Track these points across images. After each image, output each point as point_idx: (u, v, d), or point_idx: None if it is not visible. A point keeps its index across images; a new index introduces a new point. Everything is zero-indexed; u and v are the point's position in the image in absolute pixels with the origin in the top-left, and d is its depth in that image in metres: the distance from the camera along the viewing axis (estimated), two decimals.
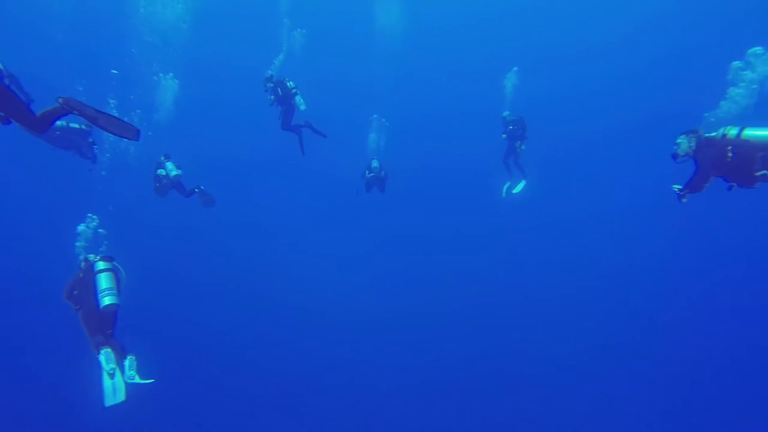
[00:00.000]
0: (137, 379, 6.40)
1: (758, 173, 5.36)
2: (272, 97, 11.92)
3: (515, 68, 24.71)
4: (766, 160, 5.33)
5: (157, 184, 10.22)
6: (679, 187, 6.02)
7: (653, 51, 24.24)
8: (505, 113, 13.85)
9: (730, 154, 5.51)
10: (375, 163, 12.76)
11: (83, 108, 4.65)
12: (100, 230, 8.38)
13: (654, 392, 13.23)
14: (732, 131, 5.63)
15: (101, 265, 6.77)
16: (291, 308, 16.92)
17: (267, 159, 21.13)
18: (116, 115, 4.90)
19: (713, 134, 5.79)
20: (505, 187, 15.06)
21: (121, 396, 6.34)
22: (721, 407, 12.34)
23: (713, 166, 5.67)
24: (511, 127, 13.58)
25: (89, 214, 8.47)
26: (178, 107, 20.67)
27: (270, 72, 12.04)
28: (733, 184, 5.71)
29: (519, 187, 14.70)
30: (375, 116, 22.02)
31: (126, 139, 4.88)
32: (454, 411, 13.07)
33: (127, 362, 6.43)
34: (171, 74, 21.51)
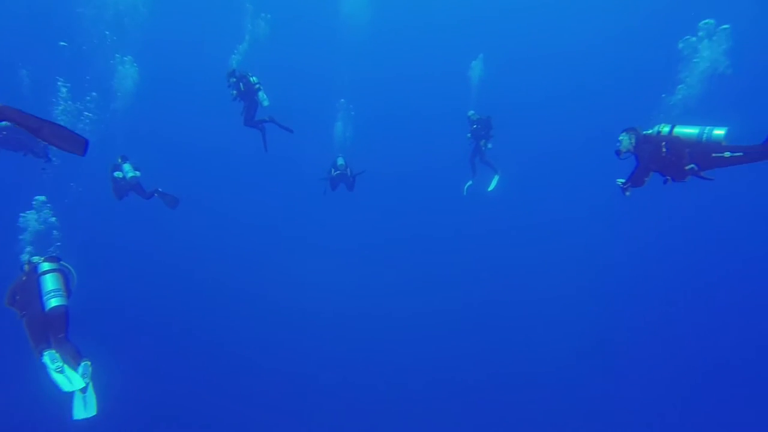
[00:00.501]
0: (90, 391, 6.05)
1: (687, 167, 5.69)
2: (234, 92, 11.50)
3: (481, 55, 24.67)
4: (693, 155, 5.64)
5: (115, 187, 9.78)
6: (623, 180, 6.29)
7: (627, 35, 23.78)
8: (470, 113, 13.78)
9: (664, 150, 5.80)
10: (340, 161, 12.55)
11: (23, 118, 4.18)
12: (53, 222, 7.89)
13: (645, 390, 13.10)
14: (665, 128, 5.92)
15: (46, 266, 6.35)
16: (283, 307, 16.58)
17: (233, 150, 20.48)
18: (63, 124, 4.47)
19: (650, 131, 6.06)
20: (466, 186, 15.11)
21: (92, 410, 6.07)
22: (716, 405, 12.19)
23: (650, 161, 5.95)
24: (474, 126, 13.58)
25: (37, 197, 7.90)
26: (138, 95, 19.83)
27: (232, 66, 11.60)
28: (668, 177, 6.00)
29: (493, 184, 14.75)
30: (342, 101, 21.87)
31: (70, 153, 4.24)
32: (448, 409, 12.80)
33: (80, 368, 6.02)
34: (130, 57, 20.52)
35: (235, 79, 11.42)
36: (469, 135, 13.74)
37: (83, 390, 6.02)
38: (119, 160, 9.92)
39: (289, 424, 12.39)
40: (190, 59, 24.92)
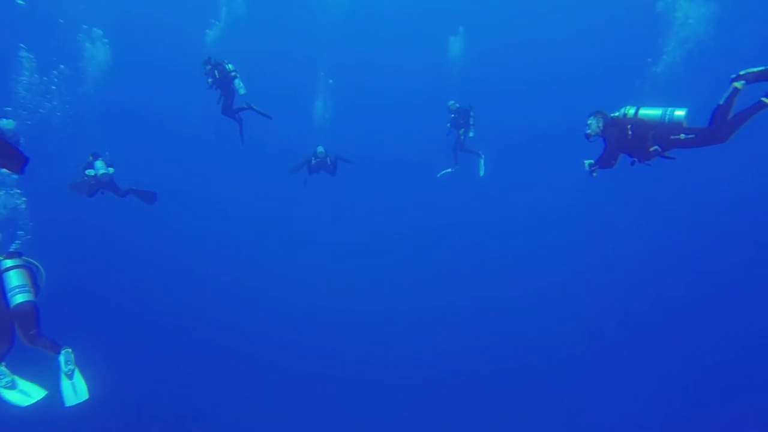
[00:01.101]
0: (77, 376, 5.95)
1: (651, 149, 5.74)
2: (210, 80, 10.98)
3: (460, 28, 23.96)
4: (657, 137, 5.70)
5: (84, 184, 9.30)
6: (591, 162, 6.29)
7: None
8: (450, 102, 13.59)
9: (629, 133, 5.83)
10: (320, 149, 12.35)
11: None
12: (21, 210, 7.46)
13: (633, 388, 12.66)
14: (630, 111, 5.93)
15: (7, 263, 6.01)
16: (264, 299, 16.13)
17: (211, 136, 19.68)
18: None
19: (617, 114, 6.08)
20: (443, 171, 14.97)
21: (83, 394, 5.95)
22: (707, 400, 11.88)
23: (618, 143, 5.97)
24: (453, 116, 13.43)
25: None
26: (110, 75, 18.81)
27: (208, 54, 11.05)
28: (635, 159, 6.05)
29: (482, 168, 14.53)
30: (321, 74, 21.27)
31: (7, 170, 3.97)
32: (440, 402, 12.56)
33: (62, 357, 5.90)
34: (100, 30, 19.37)
35: (210, 67, 10.91)
36: (448, 125, 13.64)
37: (70, 376, 5.91)
38: (90, 158, 9.43)
39: (284, 420, 12.32)
40: (164, 36, 23.73)
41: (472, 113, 13.25)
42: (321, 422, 12.13)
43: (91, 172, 9.25)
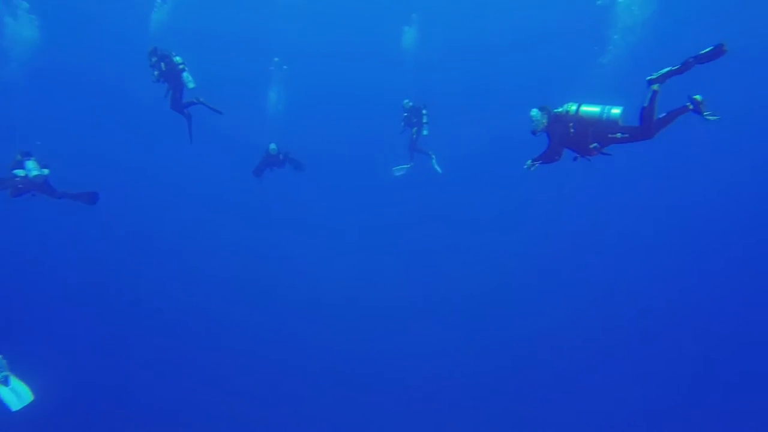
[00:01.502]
0: (14, 381, 5.90)
1: (591, 146, 5.90)
2: (156, 72, 10.11)
3: (414, 15, 23.44)
4: (596, 134, 5.85)
5: (7, 183, 8.28)
6: (530, 162, 6.35)
7: None
8: (405, 101, 13.38)
9: (571, 129, 5.95)
10: (272, 147, 12.16)
11: None
12: None
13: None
14: (572, 107, 6.02)
15: None
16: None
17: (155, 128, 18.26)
18: None
19: (560, 110, 6.17)
20: (398, 170, 14.77)
21: (27, 396, 5.97)
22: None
23: (560, 139, 6.11)
24: (405, 114, 13.28)
25: None
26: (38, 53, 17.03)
27: (153, 45, 10.11)
28: (577, 155, 6.21)
29: (435, 165, 14.38)
30: (276, 59, 20.44)
31: None
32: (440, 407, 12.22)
33: None
34: (26, 4, 17.48)
35: (155, 59, 10.01)
36: (402, 124, 13.47)
37: (5, 382, 5.93)
38: (19, 157, 8.42)
39: (282, 420, 11.96)
40: (103, 18, 21.70)
41: (425, 111, 13.06)
42: (320, 422, 11.73)
43: (20, 172, 8.26)
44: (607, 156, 5.97)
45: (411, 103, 13.28)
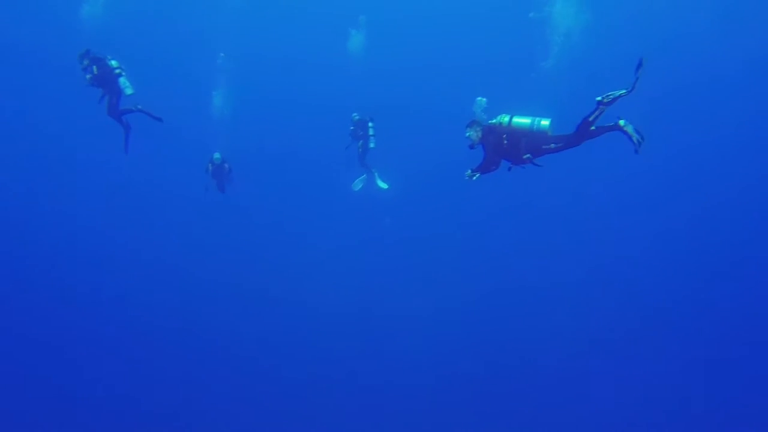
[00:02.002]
0: None
1: (524, 156, 6.07)
2: (89, 76, 9.36)
3: (361, 17, 22.92)
4: (529, 144, 6.03)
5: None
6: (470, 172, 6.46)
7: None
8: (353, 114, 13.17)
9: (505, 141, 6.11)
10: (217, 156, 11.78)
11: None
12: None
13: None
14: (505, 119, 6.19)
15: None
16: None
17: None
18: None
19: (493, 121, 6.31)
20: (354, 182, 14.51)
21: None
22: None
23: (494, 150, 6.24)
24: (351, 128, 13.12)
25: None
26: None
27: (86, 47, 9.34)
28: (511, 165, 6.37)
29: (378, 182, 14.12)
30: (222, 54, 19.57)
31: None
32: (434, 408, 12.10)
33: None
34: None
35: (87, 62, 9.29)
36: (349, 138, 13.27)
37: None
38: None
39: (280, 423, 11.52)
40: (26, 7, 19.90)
41: (371, 124, 12.89)
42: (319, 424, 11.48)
43: None
44: (538, 167, 6.12)
45: (358, 116, 13.10)
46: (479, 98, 6.48)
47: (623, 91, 5.50)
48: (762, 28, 18.38)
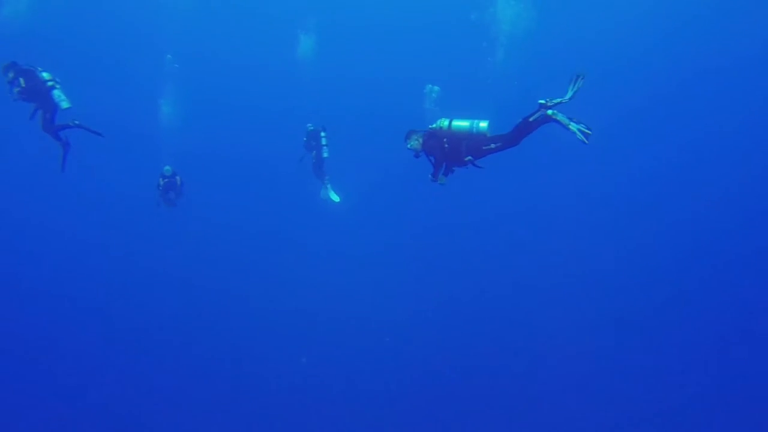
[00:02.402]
0: None
1: (466, 159, 6.08)
2: (17, 89, 8.47)
3: (311, 20, 22.23)
4: (469, 147, 6.04)
5: None
6: (431, 176, 6.42)
7: None
8: (308, 125, 12.77)
9: (446, 144, 6.11)
10: (167, 169, 11.24)
11: None
12: None
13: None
14: (444, 123, 6.17)
15: None
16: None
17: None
18: None
19: (434, 126, 6.28)
20: (321, 192, 14.03)
21: None
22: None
23: (437, 154, 6.19)
24: (305, 139, 12.76)
25: None
26: None
27: (11, 59, 8.45)
28: (454, 168, 6.36)
29: (328, 193, 13.71)
30: (168, 56, 18.47)
31: None
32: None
33: None
34: None
35: (12, 74, 8.42)
36: (303, 149, 12.90)
37: None
38: None
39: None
40: None
41: (323, 134, 12.50)
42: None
43: None
44: (479, 169, 6.12)
45: (312, 127, 12.75)
46: (429, 86, 6.34)
47: (563, 99, 5.55)
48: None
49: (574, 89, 5.49)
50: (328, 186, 13.36)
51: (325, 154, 12.51)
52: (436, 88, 6.38)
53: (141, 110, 17.80)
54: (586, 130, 5.49)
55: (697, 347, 12.25)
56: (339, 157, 12.97)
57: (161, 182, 11.13)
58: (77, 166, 10.19)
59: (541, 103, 5.62)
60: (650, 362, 12.44)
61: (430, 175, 6.36)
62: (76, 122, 9.25)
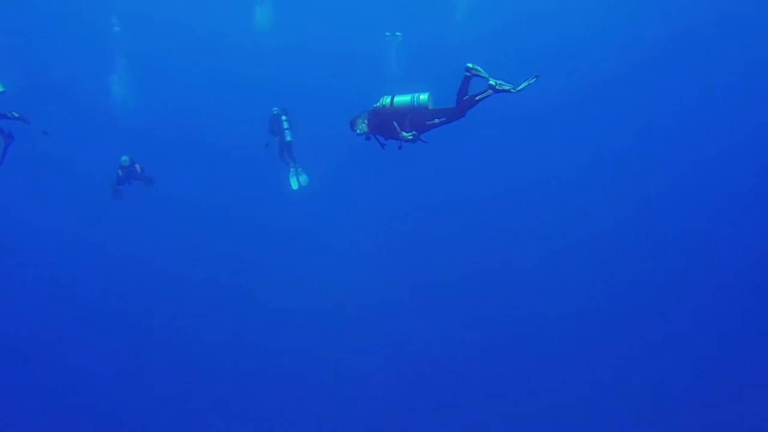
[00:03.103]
0: None
1: (411, 134, 5.87)
2: None
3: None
4: (414, 122, 5.87)
5: None
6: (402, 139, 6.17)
7: None
8: (273, 109, 12.22)
9: (392, 121, 5.92)
10: (124, 159, 10.79)
11: None
12: None
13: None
14: (386, 100, 6.02)
15: None
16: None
17: None
18: None
19: (377, 105, 6.14)
20: (291, 181, 13.49)
21: None
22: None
23: (383, 131, 6.05)
24: (268, 124, 12.28)
25: None
26: None
27: None
28: (400, 143, 6.11)
29: (303, 179, 13.24)
30: (116, 28, 17.33)
31: None
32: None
33: None
34: None
35: None
36: (268, 133, 12.36)
37: None
38: None
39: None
40: None
41: (284, 117, 12.01)
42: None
43: None
44: (425, 144, 5.96)
45: (276, 110, 12.20)
46: (388, 33, 5.94)
47: (511, 88, 5.38)
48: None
49: (525, 85, 5.37)
50: (294, 170, 12.91)
51: (288, 138, 12.07)
52: (399, 34, 6.02)
53: (92, 89, 16.43)
54: (508, 85, 5.38)
55: (697, 347, 11.97)
56: (305, 139, 12.49)
57: (120, 173, 10.70)
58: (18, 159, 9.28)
59: (469, 67, 5.48)
60: (642, 355, 12.15)
61: (398, 148, 6.10)
62: (15, 114, 8.47)
